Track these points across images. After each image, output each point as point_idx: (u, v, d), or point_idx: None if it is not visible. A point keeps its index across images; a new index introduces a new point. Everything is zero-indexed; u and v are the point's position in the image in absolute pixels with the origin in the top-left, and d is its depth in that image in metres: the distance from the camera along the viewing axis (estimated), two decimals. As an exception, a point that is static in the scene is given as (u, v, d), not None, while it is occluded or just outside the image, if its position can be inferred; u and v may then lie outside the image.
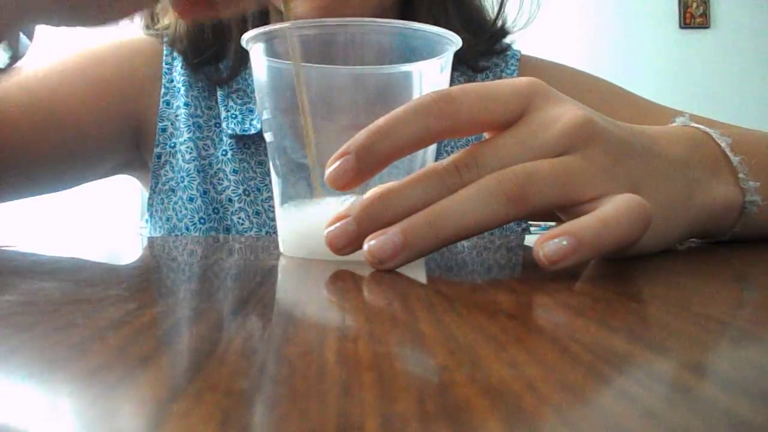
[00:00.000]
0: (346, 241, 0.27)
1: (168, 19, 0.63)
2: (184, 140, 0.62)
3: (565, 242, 0.25)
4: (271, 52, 0.34)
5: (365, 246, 0.27)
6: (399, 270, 0.27)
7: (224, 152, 0.62)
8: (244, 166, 0.61)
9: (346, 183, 0.28)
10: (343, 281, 0.27)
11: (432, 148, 0.35)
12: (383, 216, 0.27)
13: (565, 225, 0.25)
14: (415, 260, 0.28)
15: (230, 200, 0.61)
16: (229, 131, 0.61)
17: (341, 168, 0.28)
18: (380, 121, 0.28)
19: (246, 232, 0.61)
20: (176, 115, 0.62)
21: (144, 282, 0.28)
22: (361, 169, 0.28)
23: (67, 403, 0.12)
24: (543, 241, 0.25)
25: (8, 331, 0.17)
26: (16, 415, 0.11)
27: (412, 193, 0.28)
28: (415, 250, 0.27)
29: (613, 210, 0.26)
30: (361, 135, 0.28)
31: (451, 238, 0.27)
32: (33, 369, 0.14)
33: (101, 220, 2.17)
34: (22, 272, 0.30)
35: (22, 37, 0.39)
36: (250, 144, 0.62)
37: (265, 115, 0.35)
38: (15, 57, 0.39)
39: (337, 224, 0.28)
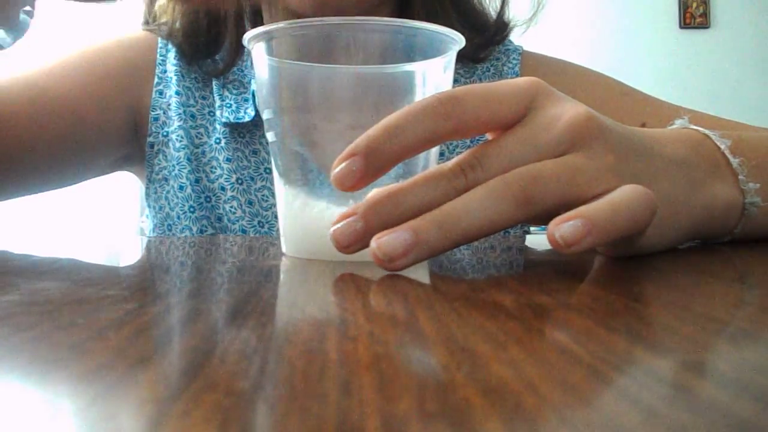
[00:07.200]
0: (353, 239, 0.27)
1: (166, 16, 0.63)
2: (175, 128, 0.62)
3: (579, 224, 0.25)
4: (273, 52, 0.34)
5: (374, 244, 0.26)
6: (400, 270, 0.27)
7: (217, 140, 0.62)
8: (238, 155, 0.61)
9: (352, 184, 0.28)
10: (343, 281, 0.27)
11: (435, 150, 0.35)
12: (391, 214, 0.27)
13: (577, 209, 0.26)
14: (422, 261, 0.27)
15: (223, 189, 0.61)
16: (223, 119, 0.61)
17: (348, 169, 0.27)
18: (386, 122, 0.28)
19: (238, 221, 0.61)
20: (168, 104, 0.63)
21: (144, 282, 0.28)
22: (369, 170, 0.27)
23: (67, 403, 0.12)
24: (558, 223, 0.25)
25: (8, 331, 0.17)
26: (16, 415, 0.11)
27: (419, 194, 0.28)
28: (426, 250, 0.26)
29: (622, 197, 0.27)
30: (367, 136, 0.28)
31: (461, 239, 0.27)
32: (33, 369, 0.14)
33: (101, 220, 2.17)
34: (22, 272, 0.30)
35: (23, 16, 0.39)
36: (244, 133, 0.62)
37: (267, 115, 0.35)
38: (17, 36, 0.39)
39: (344, 222, 0.27)
